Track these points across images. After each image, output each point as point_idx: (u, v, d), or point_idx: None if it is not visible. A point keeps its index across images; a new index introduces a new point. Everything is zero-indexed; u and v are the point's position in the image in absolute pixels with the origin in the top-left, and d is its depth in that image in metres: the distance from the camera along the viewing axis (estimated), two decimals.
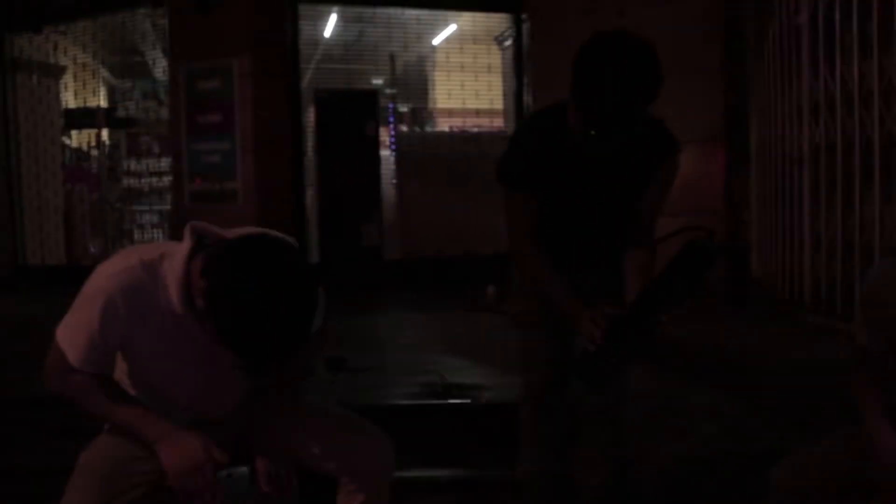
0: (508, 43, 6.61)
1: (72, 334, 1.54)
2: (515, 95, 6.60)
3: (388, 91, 6.91)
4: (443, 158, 6.57)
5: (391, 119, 6.76)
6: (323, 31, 6.69)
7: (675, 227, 1.92)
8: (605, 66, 1.72)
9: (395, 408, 2.78)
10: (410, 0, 6.49)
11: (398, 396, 3.00)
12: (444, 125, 7.22)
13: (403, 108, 7.22)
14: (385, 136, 6.70)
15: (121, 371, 1.67)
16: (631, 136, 1.86)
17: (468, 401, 2.92)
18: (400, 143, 6.70)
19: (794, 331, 4.45)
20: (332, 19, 6.77)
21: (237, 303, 1.35)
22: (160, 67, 8.19)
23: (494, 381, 3.25)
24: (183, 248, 1.51)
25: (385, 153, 6.63)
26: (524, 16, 6.30)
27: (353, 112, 6.45)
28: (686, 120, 4.77)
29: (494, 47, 6.89)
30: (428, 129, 7.27)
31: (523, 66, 6.44)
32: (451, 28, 6.95)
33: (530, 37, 6.24)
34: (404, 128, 7.08)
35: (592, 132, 1.79)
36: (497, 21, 6.65)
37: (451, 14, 6.79)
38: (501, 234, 6.51)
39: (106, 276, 1.53)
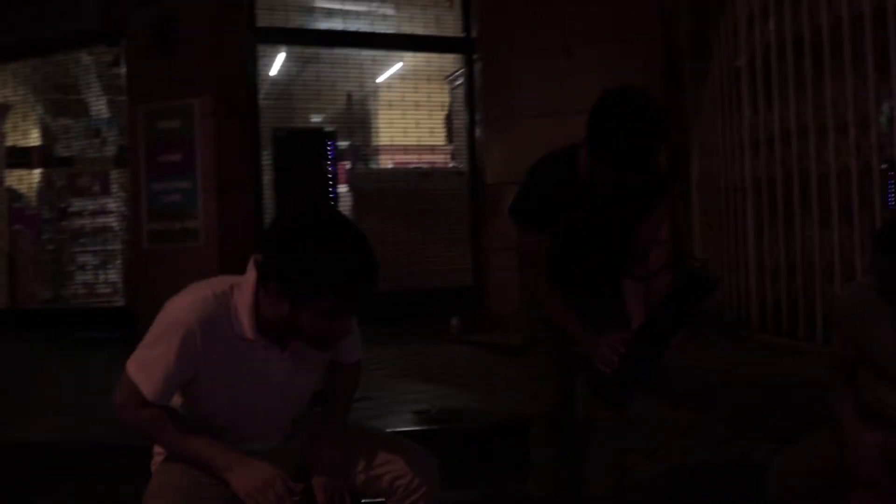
0: (459, 82, 6.85)
1: (147, 368, 1.61)
2: (467, 132, 6.82)
3: (337, 129, 7.03)
4: (399, 194, 6.71)
5: (331, 155, 6.86)
6: (275, 69, 6.79)
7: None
8: (626, 125, 1.96)
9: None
10: (363, 41, 6.66)
11: (396, 424, 3.11)
12: (398, 162, 7.38)
13: (343, 145, 7.34)
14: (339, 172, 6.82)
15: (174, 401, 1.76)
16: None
17: (468, 424, 3.05)
18: (356, 180, 6.82)
19: (744, 349, 4.75)
20: (283, 58, 6.88)
21: (315, 246, 1.53)
22: (102, 106, 8.12)
23: (481, 406, 3.41)
24: (249, 277, 1.63)
25: (342, 189, 6.75)
26: (475, 56, 6.56)
27: (311, 150, 6.56)
28: None
29: (446, 85, 7.11)
30: (381, 165, 7.42)
31: (474, 104, 6.68)
32: (403, 67, 7.15)
33: (481, 76, 6.49)
34: (348, 164, 7.20)
35: (612, 179, 2.03)
36: (449, 61, 6.88)
37: (403, 54, 6.99)
38: (458, 267, 6.69)
39: (181, 309, 1.61)
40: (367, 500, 1.83)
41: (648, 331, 2.09)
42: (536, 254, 2.24)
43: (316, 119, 7.08)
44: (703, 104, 5.69)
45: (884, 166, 4.18)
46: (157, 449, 1.79)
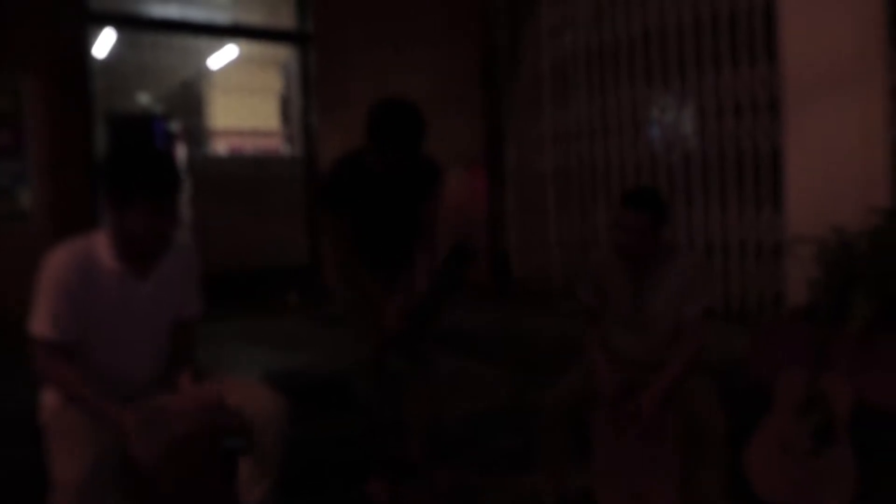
0: (296, 70, 7.18)
1: (39, 317, 1.97)
2: (302, 119, 7.18)
3: (173, 113, 7.15)
4: (237, 179, 6.95)
5: (164, 138, 6.98)
6: (109, 52, 6.79)
7: (450, 236, 2.79)
8: (393, 127, 2.60)
9: None
10: (198, 30, 6.81)
11: None
12: (234, 145, 7.59)
13: (179, 129, 7.47)
14: (175, 156, 6.95)
15: None
16: (411, 167, 2.71)
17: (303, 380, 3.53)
18: (194, 166, 7.00)
19: (549, 313, 5.52)
20: (118, 42, 6.89)
21: (121, 153, 2.01)
22: None
23: (319, 366, 3.91)
24: (105, 228, 2.05)
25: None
26: (310, 46, 6.92)
27: (144, 133, 6.65)
28: (453, 145, 5.75)
29: (281, 73, 7.42)
30: (217, 149, 7.60)
31: (309, 92, 7.05)
32: (239, 55, 7.37)
33: (316, 66, 6.87)
34: (184, 147, 7.34)
35: (387, 167, 2.65)
36: (284, 49, 7.18)
37: (241, 41, 7.19)
38: (295, 247, 7.00)
39: (52, 260, 2.00)
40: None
41: (425, 296, 2.72)
42: (340, 231, 2.81)
43: (151, 103, 7.16)
44: (516, 101, 6.42)
45: (671, 159, 5.02)
46: (47, 400, 2.10)
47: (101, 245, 2.03)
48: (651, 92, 4.95)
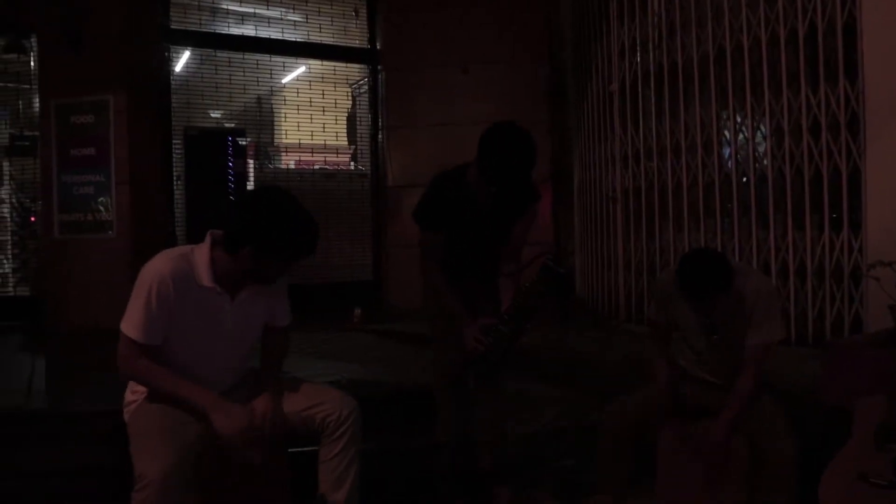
0: (364, 89, 7.33)
1: (132, 319, 2.04)
2: (370, 137, 7.32)
3: (247, 130, 7.34)
4: (305, 193, 7.09)
5: (237, 154, 7.15)
6: (188, 70, 7.03)
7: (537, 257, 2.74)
8: (508, 155, 2.51)
9: None
10: (273, 48, 7.01)
11: None
12: (304, 162, 7.74)
13: (252, 146, 7.64)
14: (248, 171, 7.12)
15: None
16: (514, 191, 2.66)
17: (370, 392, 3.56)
18: (264, 179, 7.17)
19: (612, 336, 5.46)
20: (196, 60, 7.12)
21: (278, 218, 2.03)
22: None
23: (384, 379, 3.93)
24: (206, 241, 2.13)
25: (250, 188, 7.06)
26: (379, 67, 7.07)
27: (219, 149, 6.84)
28: None
29: (351, 92, 7.57)
30: (288, 165, 7.77)
31: (378, 111, 7.18)
32: (311, 73, 7.54)
33: (384, 86, 7.00)
34: (256, 163, 7.51)
35: (494, 190, 2.58)
36: (355, 69, 7.34)
37: (312, 60, 7.37)
38: (360, 263, 7.08)
39: (153, 267, 2.07)
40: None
41: (510, 316, 2.67)
42: (433, 248, 2.80)
43: (226, 119, 7.37)
44: (584, 122, 6.39)
45: (744, 179, 4.89)
46: (129, 399, 2.19)
47: (200, 262, 2.10)
48: (724, 111, 4.85)
